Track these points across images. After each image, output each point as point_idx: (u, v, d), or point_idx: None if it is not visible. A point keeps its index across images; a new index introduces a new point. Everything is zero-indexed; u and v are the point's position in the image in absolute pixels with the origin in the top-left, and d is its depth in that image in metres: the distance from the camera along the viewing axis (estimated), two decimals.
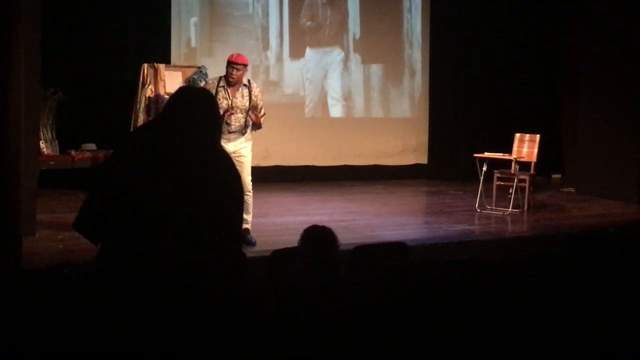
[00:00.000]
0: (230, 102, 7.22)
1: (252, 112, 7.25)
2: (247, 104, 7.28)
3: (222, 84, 7.26)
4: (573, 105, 11.71)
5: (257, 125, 7.34)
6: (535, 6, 12.31)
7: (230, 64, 7.24)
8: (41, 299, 3.21)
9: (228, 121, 7.19)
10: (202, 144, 3.64)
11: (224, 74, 7.31)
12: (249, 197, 7.10)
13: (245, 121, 7.31)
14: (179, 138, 3.58)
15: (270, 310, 3.25)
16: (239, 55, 7.36)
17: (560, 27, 12.13)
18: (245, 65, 7.31)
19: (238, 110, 7.24)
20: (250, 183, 7.27)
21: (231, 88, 7.26)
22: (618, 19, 10.60)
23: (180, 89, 4.01)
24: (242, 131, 7.31)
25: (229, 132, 7.22)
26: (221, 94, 7.22)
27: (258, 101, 7.34)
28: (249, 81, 7.42)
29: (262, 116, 7.29)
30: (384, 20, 12.33)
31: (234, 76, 7.22)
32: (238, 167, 7.10)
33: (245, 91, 7.31)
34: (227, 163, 3.81)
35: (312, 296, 3.29)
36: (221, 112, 7.16)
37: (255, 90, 7.38)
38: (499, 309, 3.61)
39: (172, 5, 11.09)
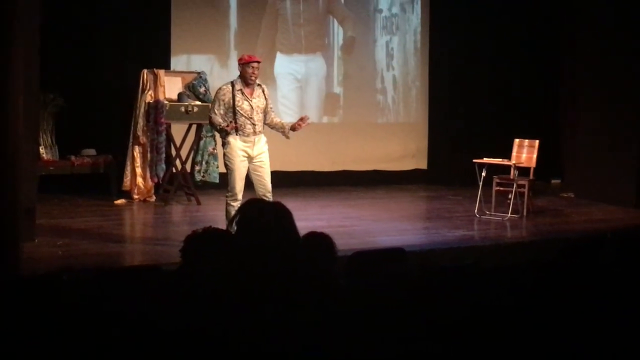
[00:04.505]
0: (250, 103, 7.23)
1: (298, 124, 7.31)
2: (264, 102, 7.31)
3: (238, 87, 7.23)
4: (572, 111, 11.72)
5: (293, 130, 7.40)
6: (535, 13, 12.33)
7: (249, 64, 7.22)
8: (40, 305, 3.21)
9: (254, 123, 7.21)
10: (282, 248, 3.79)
11: (233, 79, 7.33)
12: (269, 198, 7.09)
13: (263, 122, 7.35)
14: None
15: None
16: (251, 55, 7.44)
17: (559, 33, 12.13)
18: (259, 63, 7.34)
19: (259, 110, 7.26)
20: (270, 184, 7.33)
21: (248, 89, 7.25)
22: (616, 26, 10.61)
23: (246, 216, 4.06)
24: (261, 132, 7.33)
25: (254, 134, 7.24)
26: (239, 96, 7.19)
27: (269, 100, 7.39)
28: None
29: (306, 125, 7.36)
30: None
31: (255, 75, 7.23)
32: (260, 172, 7.27)
33: (259, 91, 7.33)
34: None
35: (309, 302, 3.29)
36: (245, 114, 7.19)
37: (266, 89, 7.43)
38: (499, 315, 3.61)
39: (172, 11, 11.09)
